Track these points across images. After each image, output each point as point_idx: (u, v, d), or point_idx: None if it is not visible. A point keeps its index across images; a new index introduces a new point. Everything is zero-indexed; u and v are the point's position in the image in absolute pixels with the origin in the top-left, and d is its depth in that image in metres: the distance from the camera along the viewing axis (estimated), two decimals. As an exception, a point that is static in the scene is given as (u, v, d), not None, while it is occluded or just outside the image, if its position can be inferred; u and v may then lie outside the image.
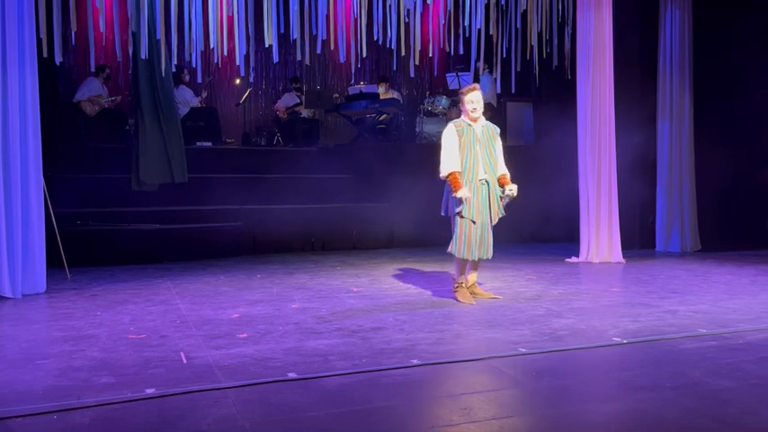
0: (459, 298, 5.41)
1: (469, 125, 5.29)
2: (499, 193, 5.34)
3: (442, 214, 5.40)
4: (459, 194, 5.11)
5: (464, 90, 5.35)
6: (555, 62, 8.86)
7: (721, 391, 3.24)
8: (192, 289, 6.15)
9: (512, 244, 9.46)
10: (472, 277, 5.58)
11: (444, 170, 5.21)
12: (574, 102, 8.31)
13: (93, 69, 8.02)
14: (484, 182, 5.27)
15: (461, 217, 5.19)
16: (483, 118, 5.38)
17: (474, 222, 5.19)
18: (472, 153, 5.23)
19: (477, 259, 5.35)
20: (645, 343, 4.13)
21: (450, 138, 5.26)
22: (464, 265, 5.43)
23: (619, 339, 4.17)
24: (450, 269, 6.12)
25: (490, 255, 5.36)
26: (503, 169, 5.42)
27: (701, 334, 4.32)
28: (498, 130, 5.50)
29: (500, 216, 5.37)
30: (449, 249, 5.36)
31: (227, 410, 2.97)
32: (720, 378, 3.45)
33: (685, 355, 3.90)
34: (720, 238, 9.12)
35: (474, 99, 5.25)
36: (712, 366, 3.68)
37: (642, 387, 3.33)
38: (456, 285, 5.48)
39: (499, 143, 5.44)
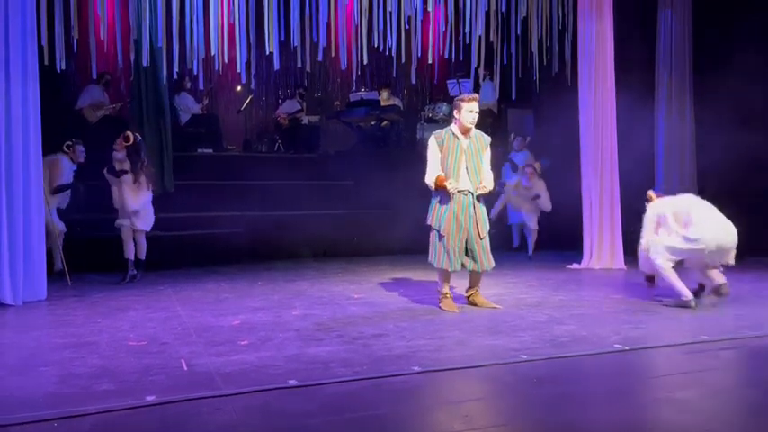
0: (442, 307, 5.39)
1: (454, 135, 5.26)
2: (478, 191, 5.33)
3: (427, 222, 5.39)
4: (449, 186, 5.12)
5: (465, 97, 5.29)
6: (555, 69, 8.88)
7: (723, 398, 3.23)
8: (192, 296, 6.14)
9: (513, 250, 9.46)
10: (474, 286, 5.56)
11: (430, 182, 5.27)
12: (574, 108, 8.32)
13: (94, 76, 8.04)
14: (466, 192, 5.24)
15: (434, 229, 5.22)
16: (473, 128, 5.33)
17: (441, 236, 5.20)
18: (454, 163, 5.21)
19: (464, 269, 5.34)
20: (646, 350, 4.12)
21: (432, 150, 5.29)
22: (446, 275, 5.38)
23: (620, 346, 4.16)
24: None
25: (486, 267, 5.35)
26: (482, 178, 5.29)
27: (704, 341, 4.31)
28: (489, 140, 5.43)
29: (486, 230, 5.33)
30: (429, 259, 5.38)
31: (227, 417, 2.96)
32: (722, 385, 3.44)
33: (687, 361, 3.89)
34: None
35: (475, 108, 5.24)
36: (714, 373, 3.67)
37: (643, 394, 3.32)
38: (441, 296, 5.46)
39: (487, 154, 5.37)
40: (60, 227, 7.30)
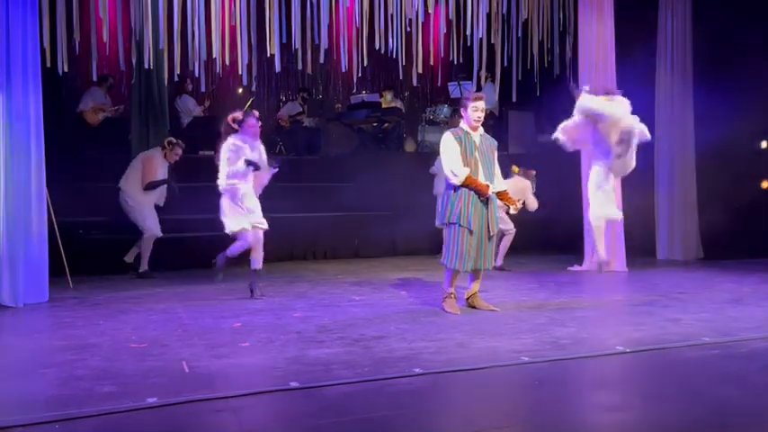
0: (446, 308, 5.38)
1: (468, 133, 5.29)
2: (512, 210, 5.47)
3: (438, 224, 5.40)
4: (490, 191, 5.20)
5: (471, 96, 5.33)
6: (556, 71, 8.88)
7: (725, 400, 3.23)
8: (193, 298, 6.15)
9: (514, 252, 9.45)
10: (474, 287, 5.56)
11: (461, 175, 5.15)
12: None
13: (95, 79, 8.05)
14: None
15: (460, 226, 5.20)
16: (481, 128, 5.39)
17: (471, 232, 5.19)
18: (472, 161, 5.23)
19: (472, 270, 5.35)
20: (647, 351, 4.11)
21: (451, 145, 5.24)
22: (455, 276, 5.39)
23: (621, 348, 4.15)
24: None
25: (490, 265, 5.39)
26: (502, 185, 5.46)
27: (705, 342, 4.31)
28: (496, 143, 5.52)
29: (496, 229, 5.40)
30: (441, 260, 5.37)
31: (228, 419, 2.96)
32: (724, 386, 3.44)
33: (689, 363, 3.89)
34: (723, 247, 9.10)
35: (480, 107, 5.26)
36: (716, 375, 3.66)
37: (645, 396, 3.32)
38: (444, 296, 5.45)
39: (496, 156, 5.46)
40: (150, 231, 7.36)
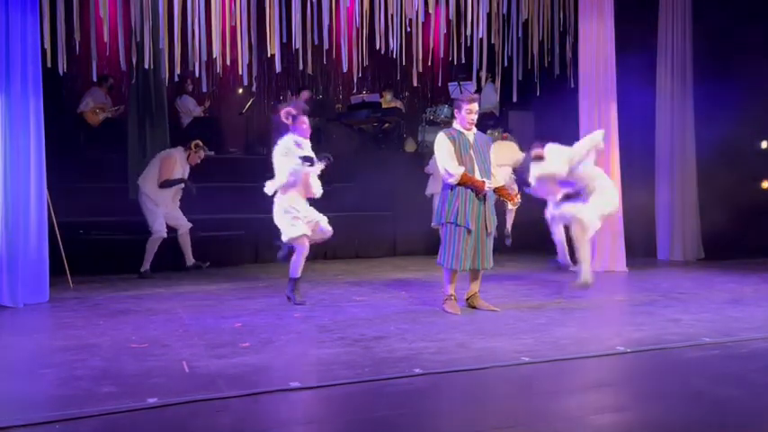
0: (446, 309, 5.38)
1: (461, 132, 5.31)
2: (510, 206, 5.51)
3: (433, 224, 5.42)
4: (487, 187, 5.19)
5: (466, 98, 5.39)
6: (557, 71, 8.88)
7: (725, 400, 3.23)
8: (194, 298, 6.15)
9: (514, 252, 9.45)
10: (473, 287, 5.56)
11: (457, 174, 5.15)
12: (575, 110, 8.32)
13: (95, 79, 8.06)
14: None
15: (457, 226, 5.20)
16: (475, 127, 5.40)
17: (470, 231, 5.20)
18: (467, 159, 5.24)
19: (470, 270, 5.35)
20: (648, 352, 4.12)
21: (445, 144, 5.26)
22: (454, 276, 5.39)
23: (622, 348, 4.16)
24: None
25: (488, 265, 5.37)
26: (500, 181, 5.49)
27: (705, 343, 4.31)
28: (491, 140, 5.54)
29: (495, 225, 5.40)
30: (438, 260, 5.38)
31: (229, 420, 2.97)
32: (724, 386, 3.44)
33: (689, 363, 3.89)
34: (723, 247, 9.10)
35: (474, 109, 5.31)
36: (716, 375, 3.67)
37: (646, 396, 3.32)
38: (445, 298, 5.45)
39: (491, 153, 5.46)
40: (157, 234, 7.38)
